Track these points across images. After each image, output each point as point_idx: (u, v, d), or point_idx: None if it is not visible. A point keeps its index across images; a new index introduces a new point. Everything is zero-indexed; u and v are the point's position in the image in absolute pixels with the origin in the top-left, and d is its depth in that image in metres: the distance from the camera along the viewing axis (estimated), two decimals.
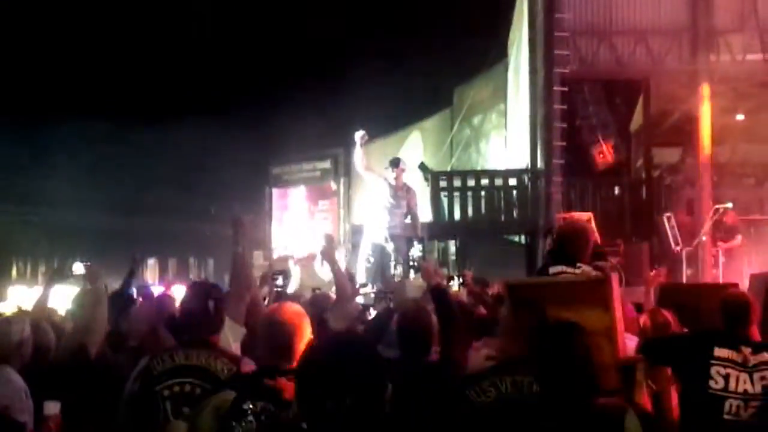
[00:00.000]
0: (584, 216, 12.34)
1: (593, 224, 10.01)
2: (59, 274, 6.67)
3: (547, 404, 3.67)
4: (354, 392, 2.63)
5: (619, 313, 4.98)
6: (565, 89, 15.81)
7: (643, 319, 6.53)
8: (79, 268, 6.43)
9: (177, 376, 4.40)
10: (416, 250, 6.33)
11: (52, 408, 5.20)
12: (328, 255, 6.26)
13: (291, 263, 15.86)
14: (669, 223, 14.93)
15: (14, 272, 32.74)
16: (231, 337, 4.93)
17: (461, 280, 9.79)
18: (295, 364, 4.18)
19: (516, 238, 17.88)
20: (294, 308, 4.30)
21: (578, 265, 5.70)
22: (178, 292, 8.59)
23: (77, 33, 29.99)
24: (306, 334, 4.20)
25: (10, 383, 5.09)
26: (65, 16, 29.98)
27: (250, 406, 3.17)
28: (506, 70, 20.42)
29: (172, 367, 4.44)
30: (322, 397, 2.63)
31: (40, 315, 6.19)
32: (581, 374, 3.67)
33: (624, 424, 3.59)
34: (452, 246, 17.52)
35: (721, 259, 14.30)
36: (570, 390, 3.65)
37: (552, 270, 5.58)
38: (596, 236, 5.99)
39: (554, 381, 3.69)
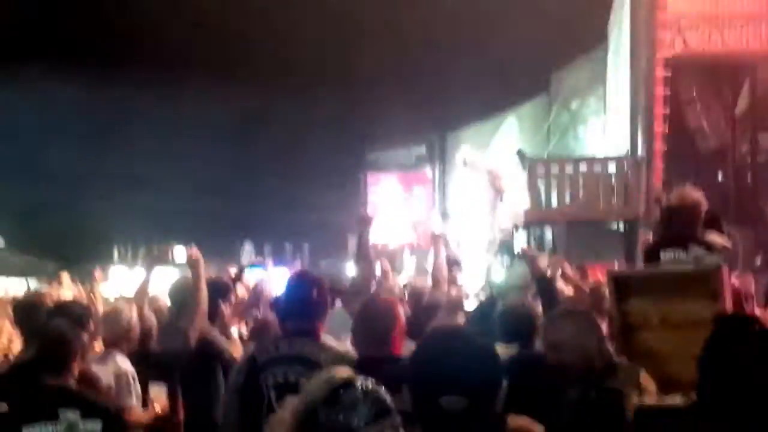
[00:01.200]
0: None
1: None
2: (160, 258, 6.75)
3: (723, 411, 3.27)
4: (471, 390, 2.57)
5: (728, 304, 4.84)
6: (669, 74, 15.44)
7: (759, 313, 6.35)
8: (180, 252, 6.50)
9: (281, 365, 4.42)
10: (521, 238, 6.22)
11: (158, 391, 5.30)
12: (435, 246, 6.59)
13: (407, 251, 15.83)
14: None
15: (115, 254, 33.49)
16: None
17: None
18: (394, 351, 4.18)
19: (614, 226, 17.56)
20: (386, 299, 4.32)
21: (689, 246, 5.51)
22: (276, 274, 8.66)
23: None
24: (400, 325, 4.22)
25: (116, 367, 5.18)
26: None
27: (362, 381, 3.13)
28: (606, 53, 20.05)
29: (276, 357, 4.46)
30: (436, 395, 2.57)
31: (143, 300, 6.27)
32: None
33: None
34: (548, 234, 17.32)
35: None
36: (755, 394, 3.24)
37: (663, 256, 5.43)
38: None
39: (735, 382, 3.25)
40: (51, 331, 4.45)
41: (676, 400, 3.57)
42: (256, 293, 8.14)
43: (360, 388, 2.63)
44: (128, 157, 31.75)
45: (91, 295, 8.34)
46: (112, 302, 6.35)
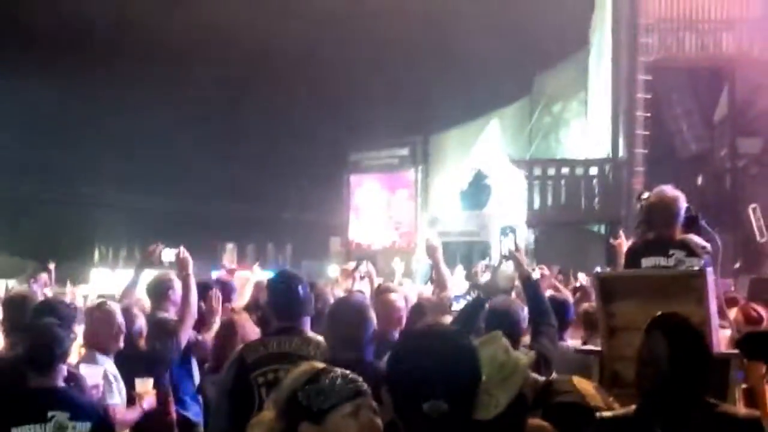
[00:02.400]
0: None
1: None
2: (148, 260, 6.72)
3: (666, 408, 3.37)
4: (451, 393, 2.51)
5: (713, 308, 4.88)
6: (649, 78, 15.57)
7: (735, 314, 6.39)
8: (168, 255, 6.47)
9: (270, 363, 4.43)
10: (509, 240, 6.26)
11: (144, 385, 5.29)
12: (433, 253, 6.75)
13: (397, 260, 15.84)
14: (755, 214, 14.59)
15: (96, 255, 33.34)
16: None
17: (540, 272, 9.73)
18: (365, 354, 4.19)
19: (596, 228, 17.67)
20: (358, 299, 4.34)
21: (670, 252, 5.54)
22: (260, 275, 8.60)
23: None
24: (371, 325, 4.26)
25: (99, 366, 5.18)
26: None
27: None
28: (587, 57, 20.17)
29: (265, 356, 4.48)
30: (417, 399, 2.52)
31: (131, 300, 6.27)
32: (703, 373, 3.39)
33: None
34: (531, 236, 17.38)
35: None
36: (692, 391, 3.35)
37: (644, 263, 5.47)
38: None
39: (675, 381, 3.34)
40: (40, 331, 4.44)
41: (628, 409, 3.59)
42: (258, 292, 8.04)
43: (338, 371, 2.66)
44: (110, 158, 31.60)
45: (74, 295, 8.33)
46: (95, 302, 6.30)
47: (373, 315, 4.37)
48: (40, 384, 4.27)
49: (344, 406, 2.57)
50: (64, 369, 4.39)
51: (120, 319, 5.40)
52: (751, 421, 3.41)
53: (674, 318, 3.61)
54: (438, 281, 6.89)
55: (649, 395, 3.45)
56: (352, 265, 8.55)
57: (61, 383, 4.35)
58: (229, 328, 6.19)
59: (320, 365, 2.66)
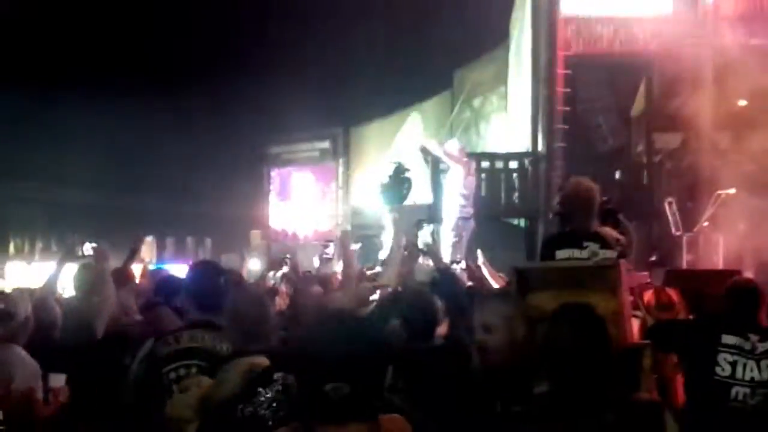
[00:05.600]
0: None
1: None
2: (70, 254, 6.65)
3: (576, 399, 3.39)
4: (353, 376, 2.59)
5: (626, 298, 4.95)
6: (568, 72, 15.74)
7: (648, 296, 6.50)
8: (88, 248, 6.45)
9: (183, 358, 4.34)
10: (426, 233, 6.27)
11: (58, 380, 5.20)
12: (342, 243, 7.06)
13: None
14: (671, 208, 14.87)
15: (11, 248, 32.66)
16: None
17: (464, 264, 9.80)
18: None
19: (516, 222, 17.81)
20: (256, 289, 4.32)
21: (585, 244, 5.61)
22: (178, 271, 8.55)
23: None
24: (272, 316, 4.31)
25: (28, 365, 5.07)
26: None
27: (281, 376, 3.13)
28: (507, 52, 20.33)
29: (177, 350, 4.38)
30: (320, 381, 2.58)
31: (50, 292, 6.18)
32: (608, 363, 3.44)
33: (664, 424, 3.43)
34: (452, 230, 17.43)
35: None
36: (599, 382, 3.38)
37: (559, 255, 5.52)
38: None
39: (582, 372, 3.39)
40: None
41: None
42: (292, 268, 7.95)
43: (279, 383, 2.67)
44: (24, 148, 30.94)
45: None
46: (6, 293, 6.20)
47: (270, 303, 4.36)
48: None
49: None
50: None
51: (27, 310, 5.29)
52: (650, 405, 3.47)
53: (578, 308, 3.64)
54: (343, 272, 7.03)
55: (553, 384, 3.47)
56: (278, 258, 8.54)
57: None
58: None
59: (261, 368, 2.64)
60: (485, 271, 8.15)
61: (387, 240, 14.33)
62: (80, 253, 6.58)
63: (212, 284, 4.49)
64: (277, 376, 2.56)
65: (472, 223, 14.28)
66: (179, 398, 3.48)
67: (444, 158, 14.68)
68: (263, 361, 2.65)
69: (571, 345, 3.41)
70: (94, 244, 6.11)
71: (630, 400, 3.49)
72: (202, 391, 3.41)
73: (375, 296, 6.85)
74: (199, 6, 29.72)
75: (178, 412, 3.36)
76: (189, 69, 31.30)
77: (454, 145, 14.88)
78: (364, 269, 8.82)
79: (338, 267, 8.26)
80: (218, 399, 2.61)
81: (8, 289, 10.16)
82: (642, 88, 17.37)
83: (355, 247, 8.81)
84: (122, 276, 6.64)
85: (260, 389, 2.61)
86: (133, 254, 7.70)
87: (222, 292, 4.48)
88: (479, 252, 8.78)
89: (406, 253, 6.13)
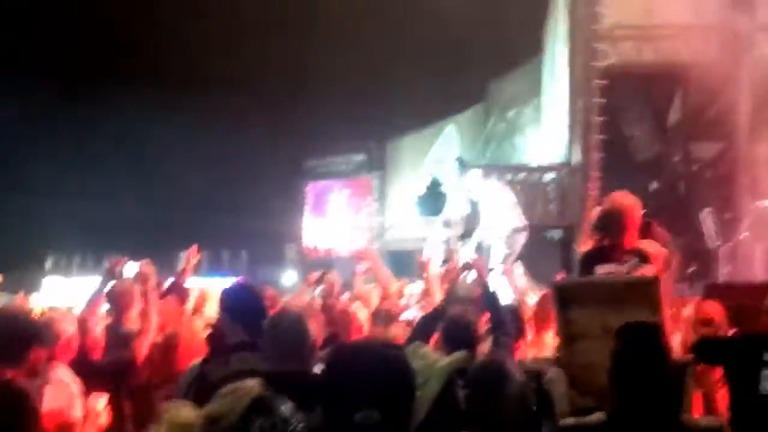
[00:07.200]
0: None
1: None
2: (112, 272, 6.58)
3: (631, 420, 3.38)
4: (382, 405, 2.55)
5: (666, 313, 4.92)
6: (605, 82, 15.68)
7: (688, 310, 6.43)
8: (131, 267, 6.40)
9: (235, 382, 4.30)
10: (469, 246, 6.23)
11: (98, 402, 5.21)
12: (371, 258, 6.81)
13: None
14: (709, 219, 14.73)
15: (49, 264, 32.86)
16: None
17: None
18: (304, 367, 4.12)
19: (552, 234, 17.73)
20: (296, 311, 4.26)
21: (624, 259, 5.58)
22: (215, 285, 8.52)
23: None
24: (310, 339, 4.18)
25: (66, 385, 5.08)
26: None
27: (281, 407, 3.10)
28: (541, 64, 20.28)
29: (230, 374, 4.30)
30: (350, 409, 2.57)
31: (93, 312, 6.19)
32: (669, 384, 3.42)
33: None
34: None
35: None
36: (661, 402, 3.34)
37: (599, 270, 5.50)
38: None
39: (641, 392, 3.37)
40: None
41: (596, 417, 3.57)
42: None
43: (277, 416, 2.64)
44: (64, 164, 31.22)
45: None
46: (48, 312, 6.23)
47: (312, 326, 4.28)
48: None
49: None
50: None
51: (70, 329, 5.31)
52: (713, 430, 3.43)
53: (641, 328, 3.61)
54: (381, 280, 7.17)
55: (619, 405, 3.44)
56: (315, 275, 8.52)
57: None
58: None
59: (257, 395, 2.61)
60: (510, 281, 8.13)
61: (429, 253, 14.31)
62: (122, 273, 6.54)
63: (256, 304, 4.45)
64: (277, 406, 2.54)
65: (525, 235, 14.21)
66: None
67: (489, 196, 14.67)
68: (258, 388, 2.61)
69: (641, 365, 3.38)
70: (137, 263, 6.08)
71: (691, 424, 3.44)
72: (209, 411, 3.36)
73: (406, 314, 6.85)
74: (239, 22, 29.90)
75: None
76: (228, 85, 31.47)
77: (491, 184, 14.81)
78: (401, 285, 8.77)
79: (372, 283, 8.15)
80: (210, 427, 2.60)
81: (47, 306, 10.23)
82: (678, 97, 17.24)
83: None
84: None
85: (256, 420, 2.59)
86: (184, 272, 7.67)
87: (264, 315, 4.45)
88: (518, 263, 8.77)
89: (447, 267, 6.08)
